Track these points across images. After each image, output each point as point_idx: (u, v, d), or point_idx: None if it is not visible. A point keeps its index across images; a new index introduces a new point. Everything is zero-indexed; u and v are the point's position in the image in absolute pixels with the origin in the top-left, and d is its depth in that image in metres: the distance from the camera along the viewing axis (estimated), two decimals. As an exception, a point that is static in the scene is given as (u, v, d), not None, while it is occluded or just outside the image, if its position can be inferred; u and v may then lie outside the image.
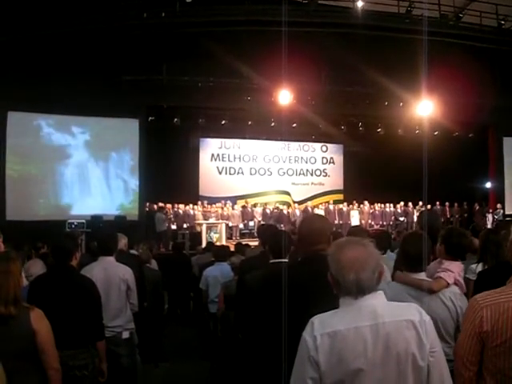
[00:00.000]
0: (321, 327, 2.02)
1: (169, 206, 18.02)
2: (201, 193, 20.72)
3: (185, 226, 17.92)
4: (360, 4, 15.83)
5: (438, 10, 16.19)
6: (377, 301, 2.06)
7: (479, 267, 4.07)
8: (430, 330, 2.05)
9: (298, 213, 19.47)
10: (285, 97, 16.57)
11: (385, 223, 20.25)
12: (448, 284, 3.20)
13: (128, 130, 16.60)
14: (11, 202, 14.90)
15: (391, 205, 20.51)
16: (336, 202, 21.05)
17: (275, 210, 19.63)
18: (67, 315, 3.72)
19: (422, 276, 3.15)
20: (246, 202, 20.37)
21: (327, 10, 15.97)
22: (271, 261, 3.82)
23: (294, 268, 2.87)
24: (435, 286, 3.14)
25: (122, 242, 5.87)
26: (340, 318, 2.04)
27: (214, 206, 19.33)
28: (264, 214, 19.42)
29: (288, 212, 19.86)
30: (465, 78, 16.13)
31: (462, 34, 16.30)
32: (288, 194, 22.21)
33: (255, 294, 3.11)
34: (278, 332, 2.50)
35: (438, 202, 20.21)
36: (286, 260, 3.71)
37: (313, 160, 22.86)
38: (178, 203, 18.40)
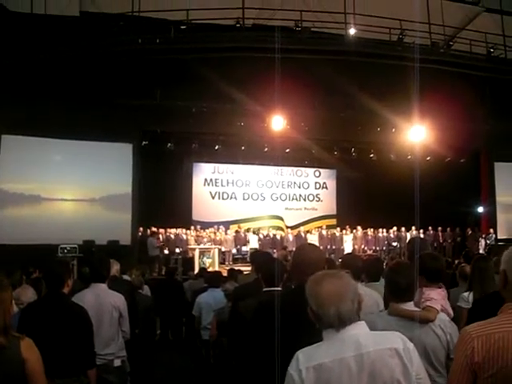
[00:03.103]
0: (306, 360, 2.03)
1: (161, 230, 17.96)
2: (194, 217, 20.68)
3: (177, 250, 17.84)
4: (352, 31, 16.07)
5: (429, 38, 16.43)
6: (359, 331, 2.08)
7: (471, 296, 4.07)
8: (415, 358, 2.07)
9: (290, 238, 19.44)
10: (278, 122, 16.67)
11: (378, 248, 20.25)
12: (437, 311, 3.19)
13: (122, 154, 16.62)
14: (3, 226, 14.82)
15: (384, 230, 20.52)
16: (329, 227, 21.04)
17: (267, 237, 19.59)
18: (59, 343, 3.68)
19: (411, 306, 3.11)
20: (239, 227, 20.33)
21: (320, 37, 16.15)
22: (264, 289, 3.82)
23: (287, 297, 2.87)
24: (432, 316, 3.13)
25: (114, 268, 5.84)
26: (324, 350, 2.05)
27: (206, 230, 19.28)
28: (259, 241, 19.40)
29: (281, 236, 19.84)
30: (456, 105, 16.30)
31: (453, 61, 16.52)
32: (281, 218, 22.19)
33: (249, 322, 3.11)
34: (272, 360, 2.49)
35: (430, 227, 20.28)
36: (280, 288, 3.71)
37: (306, 185, 22.91)
38: (171, 228, 18.36)
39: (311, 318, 2.14)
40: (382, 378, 1.99)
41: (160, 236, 17.71)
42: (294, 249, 15.88)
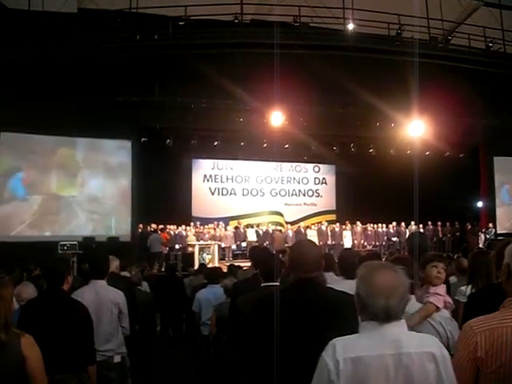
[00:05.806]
0: (343, 351, 1.99)
1: (161, 226, 17.97)
2: (193, 214, 20.69)
3: (177, 246, 17.86)
4: (351, 26, 16.06)
5: (427, 33, 16.43)
6: (400, 329, 2.05)
7: (469, 289, 4.08)
8: (449, 367, 2.04)
9: (290, 233, 19.44)
10: (277, 118, 16.68)
11: (377, 243, 20.26)
12: (438, 308, 3.19)
13: (121, 151, 16.61)
14: (2, 223, 14.82)
15: (384, 225, 20.52)
16: (328, 223, 21.02)
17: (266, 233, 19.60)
18: (58, 340, 3.69)
19: (412, 300, 3.15)
20: (239, 223, 20.31)
21: (318, 33, 16.16)
22: (262, 284, 3.84)
23: (285, 292, 2.88)
24: (428, 311, 3.13)
25: (114, 264, 5.84)
26: (363, 343, 2.01)
27: (206, 226, 19.27)
28: (257, 235, 19.40)
29: (280, 231, 19.85)
30: (455, 99, 16.32)
31: (452, 56, 16.52)
32: (281, 214, 22.19)
33: (248, 318, 3.12)
34: (271, 355, 2.50)
35: (429, 222, 20.27)
36: (278, 283, 3.73)
37: (305, 180, 22.92)
38: (171, 224, 18.37)
39: (357, 305, 2.10)
40: (418, 381, 1.97)
41: (161, 234, 17.71)
42: (293, 244, 15.89)
